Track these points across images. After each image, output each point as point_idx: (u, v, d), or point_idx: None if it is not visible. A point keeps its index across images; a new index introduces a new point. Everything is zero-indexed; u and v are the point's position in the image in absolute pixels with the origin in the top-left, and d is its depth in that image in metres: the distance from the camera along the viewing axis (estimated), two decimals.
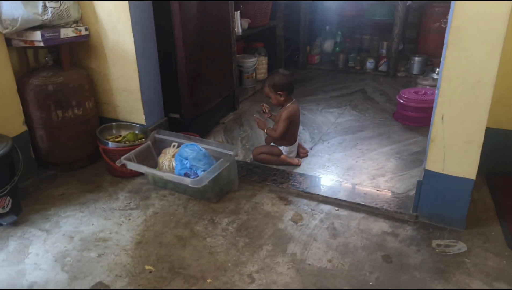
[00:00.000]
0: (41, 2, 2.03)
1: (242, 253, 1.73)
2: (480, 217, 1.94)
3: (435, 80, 3.37)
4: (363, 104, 3.32)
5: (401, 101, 2.93)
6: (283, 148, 2.41)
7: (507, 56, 2.03)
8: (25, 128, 2.24)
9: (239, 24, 3.31)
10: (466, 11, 1.52)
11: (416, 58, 3.85)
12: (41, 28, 2.09)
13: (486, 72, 1.55)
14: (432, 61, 3.91)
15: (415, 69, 3.87)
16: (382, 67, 3.99)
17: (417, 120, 2.85)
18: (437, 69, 3.52)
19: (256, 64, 3.77)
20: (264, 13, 3.68)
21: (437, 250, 1.73)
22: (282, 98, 2.36)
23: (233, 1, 2.99)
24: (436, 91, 1.72)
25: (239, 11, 3.29)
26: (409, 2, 3.72)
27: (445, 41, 1.64)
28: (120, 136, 2.39)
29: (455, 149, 1.72)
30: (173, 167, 2.12)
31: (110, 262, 1.70)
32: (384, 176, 2.28)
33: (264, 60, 3.89)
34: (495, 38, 1.51)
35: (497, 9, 1.47)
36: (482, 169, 2.18)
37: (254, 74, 3.76)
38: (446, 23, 3.75)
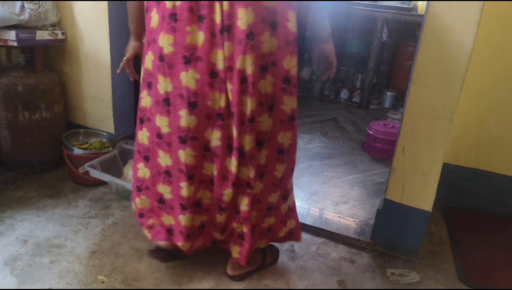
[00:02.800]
0: (19, 2, 2.03)
1: (199, 269, 1.71)
2: (434, 249, 1.99)
3: None
4: (333, 132, 3.39)
5: (370, 132, 3.01)
6: None
7: (469, 95, 2.14)
8: None
9: None
10: (430, 50, 1.60)
11: (389, 92, 3.97)
12: (16, 28, 2.08)
13: (445, 108, 1.63)
14: (403, 96, 4.04)
15: (387, 103, 3.99)
16: (356, 98, 4.10)
17: (384, 151, 2.93)
18: None
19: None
20: None
21: (391, 279, 1.76)
22: None
23: None
24: (400, 124, 1.78)
25: None
26: (384, 38, 3.87)
27: (410, 76, 1.71)
28: (87, 143, 2.36)
29: (414, 181, 1.78)
30: None
31: (62, 269, 1.66)
32: (346, 203, 2.32)
33: None
34: (455, 78, 1.59)
35: (459, 51, 1.56)
36: (441, 203, 2.27)
37: None
38: None
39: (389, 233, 1.90)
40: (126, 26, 2.34)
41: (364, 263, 1.85)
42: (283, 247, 1.90)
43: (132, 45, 1.69)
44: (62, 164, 2.38)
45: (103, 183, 2.24)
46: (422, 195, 1.78)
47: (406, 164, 1.77)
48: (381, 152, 2.94)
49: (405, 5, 3.77)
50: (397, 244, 1.89)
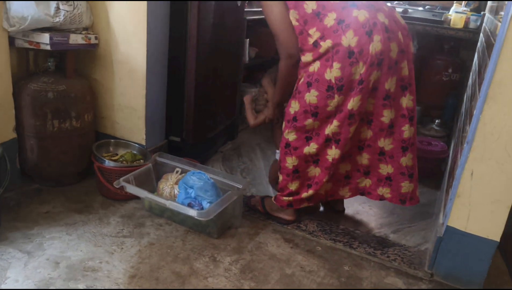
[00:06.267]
0: (55, 3, 1.89)
1: None
2: (494, 281, 1.85)
3: (437, 131, 3.37)
4: None
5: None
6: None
7: None
8: (14, 135, 2.05)
9: (247, 52, 3.24)
10: (511, 65, 1.48)
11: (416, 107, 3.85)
12: (49, 30, 1.94)
13: None
14: (431, 112, 3.92)
15: None
16: None
17: (421, 170, 2.78)
18: (436, 121, 3.52)
19: (257, 95, 3.67)
20: (271, 45, 3.62)
21: None
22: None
23: (245, 28, 2.93)
24: (466, 146, 1.65)
25: (248, 39, 3.22)
26: (414, 51, 3.75)
27: (481, 95, 1.58)
28: (117, 154, 2.22)
29: (482, 208, 1.64)
30: (174, 195, 1.96)
31: None
32: (391, 226, 2.19)
33: (265, 92, 3.81)
34: None
35: None
36: None
37: (254, 105, 3.66)
38: (447, 76, 3.82)
39: (450, 263, 1.76)
40: (165, 33, 2.24)
41: None
42: (333, 273, 1.76)
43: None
44: (89, 176, 2.23)
45: (135, 197, 2.10)
46: (491, 223, 1.64)
47: (473, 190, 1.64)
48: (419, 170, 2.79)
49: (436, 17, 3.67)
50: (459, 276, 1.75)
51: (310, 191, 1.95)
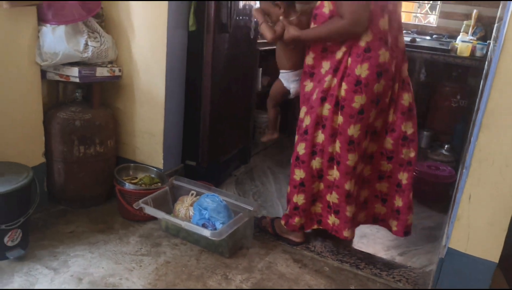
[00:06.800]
0: (84, 40, 2.08)
1: None
2: None
3: (446, 156, 3.44)
4: None
5: (414, 173, 2.95)
6: (287, 74, 2.14)
7: None
8: (43, 160, 2.22)
9: (259, 80, 3.40)
10: (503, 96, 1.58)
11: (425, 132, 3.94)
12: (78, 64, 2.13)
13: None
14: (440, 137, 4.00)
15: (423, 143, 3.94)
16: None
17: (429, 194, 2.86)
18: (446, 146, 3.59)
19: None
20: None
21: None
22: (281, 11, 2.00)
23: (258, 58, 3.10)
24: (464, 171, 1.74)
25: (261, 68, 3.39)
26: (422, 78, 3.87)
27: (477, 123, 1.69)
28: (136, 178, 2.37)
29: (480, 230, 1.72)
30: (190, 216, 2.08)
31: None
32: (398, 248, 2.26)
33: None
34: None
35: None
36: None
37: (266, 130, 3.80)
38: (455, 102, 3.91)
39: (451, 284, 1.82)
40: (183, 62, 2.42)
41: None
42: None
43: None
44: (110, 198, 2.38)
45: (152, 218, 2.23)
46: (489, 245, 1.71)
47: (472, 213, 1.72)
48: (427, 194, 2.88)
49: (444, 46, 3.79)
50: None
51: (318, 204, 2.06)
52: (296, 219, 2.07)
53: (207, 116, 2.52)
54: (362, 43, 1.80)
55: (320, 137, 1.95)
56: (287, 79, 2.15)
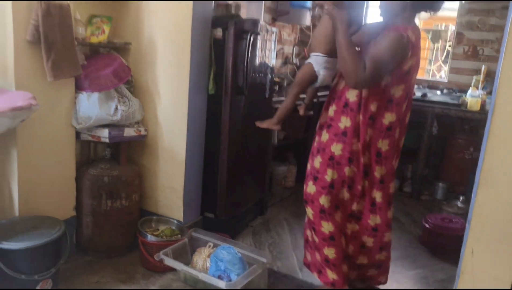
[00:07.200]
0: (114, 104, 2.32)
1: None
2: None
3: (460, 208, 3.48)
4: None
5: (427, 225, 3.02)
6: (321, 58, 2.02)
7: None
8: (74, 213, 2.41)
9: (276, 135, 3.59)
10: (496, 156, 1.70)
11: (440, 183, 4.00)
12: (108, 126, 2.36)
13: None
14: (455, 188, 4.05)
15: (439, 194, 3.99)
16: (407, 188, 4.14)
17: (443, 246, 2.90)
18: (461, 197, 3.64)
19: (286, 173, 3.97)
20: (299, 127, 3.97)
21: None
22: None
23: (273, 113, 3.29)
24: (467, 225, 1.83)
25: None
26: (434, 132, 3.98)
27: (476, 179, 1.79)
28: (158, 229, 2.52)
29: (485, 285, 1.77)
30: (207, 267, 2.20)
31: None
32: None
33: (293, 169, 4.10)
34: None
35: None
36: None
37: (283, 182, 3.95)
38: (469, 154, 3.99)
39: None
40: (202, 121, 2.63)
41: None
42: None
43: None
44: (133, 249, 2.53)
45: (172, 269, 2.35)
46: None
47: (475, 268, 1.79)
48: (440, 246, 2.91)
49: (454, 101, 3.92)
50: None
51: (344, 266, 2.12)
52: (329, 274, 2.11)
53: (224, 171, 2.69)
54: (386, 122, 1.95)
55: (346, 195, 2.06)
56: (320, 64, 2.02)
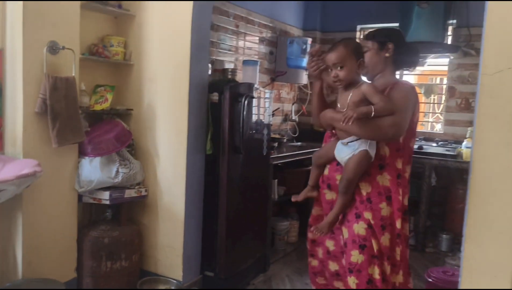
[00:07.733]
0: (115, 167, 2.44)
1: None
2: None
3: None
4: None
5: (430, 280, 2.99)
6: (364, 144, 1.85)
7: None
8: (75, 275, 2.45)
9: (275, 191, 3.65)
10: (480, 212, 1.75)
11: (444, 235, 3.97)
12: (109, 188, 2.46)
13: (503, 268, 1.69)
14: (460, 239, 4.00)
15: (444, 246, 3.96)
16: (411, 241, 4.11)
17: None
18: None
19: (288, 228, 3.99)
20: (298, 182, 4.04)
21: None
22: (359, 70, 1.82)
23: (272, 170, 3.38)
24: (459, 279, 1.84)
25: (276, 180, 3.66)
26: (433, 183, 4.01)
27: (463, 233, 1.83)
28: None
29: None
30: None
31: None
32: None
33: (296, 224, 4.12)
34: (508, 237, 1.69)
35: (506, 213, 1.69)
36: None
37: (285, 237, 3.96)
38: None
39: None
40: (201, 180, 2.72)
41: None
42: None
43: None
44: None
45: None
46: None
47: None
48: None
49: (450, 152, 3.99)
50: None
51: None
52: None
53: (223, 229, 2.75)
54: (407, 175, 1.98)
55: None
56: (371, 143, 1.86)
